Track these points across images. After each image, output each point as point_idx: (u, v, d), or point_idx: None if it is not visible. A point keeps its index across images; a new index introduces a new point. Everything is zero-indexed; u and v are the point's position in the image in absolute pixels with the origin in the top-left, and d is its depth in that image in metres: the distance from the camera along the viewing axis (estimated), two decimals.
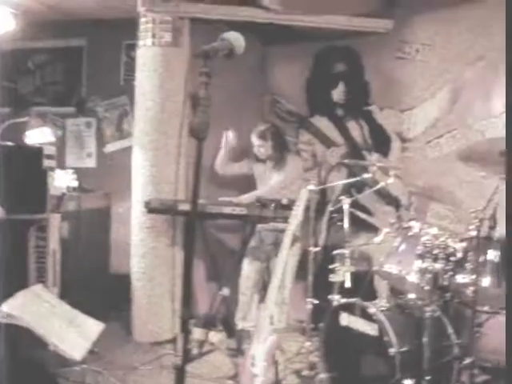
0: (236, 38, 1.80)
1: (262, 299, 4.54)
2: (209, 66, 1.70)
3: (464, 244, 3.00)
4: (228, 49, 1.77)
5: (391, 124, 4.80)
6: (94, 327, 2.82)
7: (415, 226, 3.28)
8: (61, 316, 2.68)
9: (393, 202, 4.73)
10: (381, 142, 4.82)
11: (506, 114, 2.56)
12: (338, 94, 5.03)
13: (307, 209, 3.62)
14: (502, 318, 3.47)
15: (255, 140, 4.52)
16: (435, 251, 2.96)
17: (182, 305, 1.72)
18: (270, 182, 4.49)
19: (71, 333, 2.63)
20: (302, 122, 5.12)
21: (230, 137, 4.57)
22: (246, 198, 4.29)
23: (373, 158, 3.78)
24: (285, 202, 3.86)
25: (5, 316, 2.38)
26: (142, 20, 4.40)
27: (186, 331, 1.74)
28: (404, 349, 3.04)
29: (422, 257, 3.03)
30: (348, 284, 3.80)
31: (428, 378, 2.85)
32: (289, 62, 5.18)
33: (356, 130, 4.96)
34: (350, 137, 4.96)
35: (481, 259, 2.87)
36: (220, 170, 4.73)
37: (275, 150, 4.52)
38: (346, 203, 3.93)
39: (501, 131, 4.17)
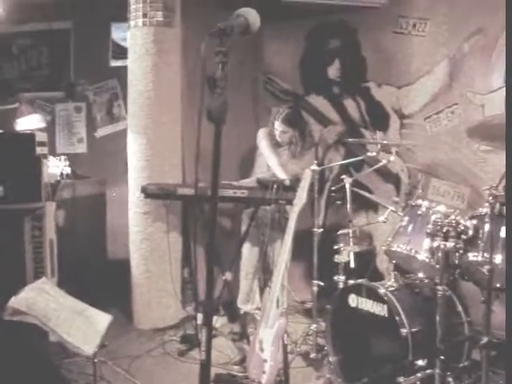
0: (251, 14, 1.69)
1: (264, 283, 4.50)
2: (225, 45, 1.61)
3: (475, 221, 2.94)
4: (244, 26, 1.67)
5: (389, 100, 4.73)
6: (102, 320, 2.74)
7: (423, 204, 3.22)
8: (69, 310, 2.60)
9: (392, 179, 4.68)
10: (379, 118, 4.75)
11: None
12: (333, 71, 4.95)
13: (310, 189, 3.54)
14: None
15: (279, 125, 4.27)
16: (445, 229, 2.89)
17: (206, 297, 1.64)
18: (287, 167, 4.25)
19: (81, 327, 2.55)
20: (298, 101, 5.03)
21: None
22: (248, 181, 4.18)
23: (378, 136, 3.66)
24: (287, 183, 3.75)
25: (12, 313, 2.29)
26: None
27: (209, 325, 1.66)
28: (415, 329, 3.01)
29: (431, 235, 2.97)
30: (353, 264, 3.77)
31: (442, 357, 2.80)
32: (283, 39, 5.08)
33: (353, 107, 4.89)
34: (347, 114, 4.89)
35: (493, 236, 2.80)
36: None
37: (300, 137, 4.31)
38: (347, 182, 3.87)
39: (500, 106, 4.12)
